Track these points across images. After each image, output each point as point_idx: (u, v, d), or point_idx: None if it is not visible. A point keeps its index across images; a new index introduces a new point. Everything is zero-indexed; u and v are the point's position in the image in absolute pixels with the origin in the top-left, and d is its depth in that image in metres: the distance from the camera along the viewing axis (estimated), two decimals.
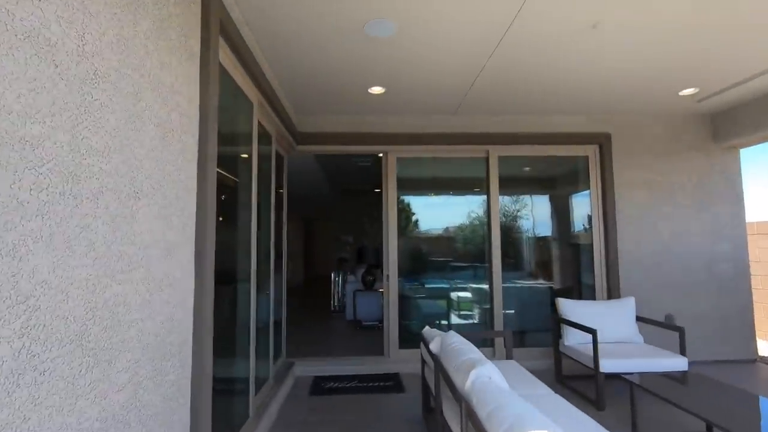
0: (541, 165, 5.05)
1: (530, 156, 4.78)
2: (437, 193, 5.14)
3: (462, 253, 5.00)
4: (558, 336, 4.05)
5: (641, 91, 3.90)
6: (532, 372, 4.26)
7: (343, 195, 11.02)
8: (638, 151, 4.64)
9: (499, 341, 4.54)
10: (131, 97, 1.38)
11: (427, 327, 3.28)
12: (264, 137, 3.66)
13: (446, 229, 5.09)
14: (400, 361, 4.45)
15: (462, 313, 5.07)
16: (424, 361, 3.26)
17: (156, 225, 1.53)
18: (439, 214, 5.11)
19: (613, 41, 2.92)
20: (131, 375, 1.36)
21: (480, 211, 4.92)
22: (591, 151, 4.74)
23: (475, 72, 3.47)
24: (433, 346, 2.68)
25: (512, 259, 4.87)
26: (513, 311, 4.74)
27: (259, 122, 3.23)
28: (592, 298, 4.67)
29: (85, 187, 1.14)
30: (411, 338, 4.65)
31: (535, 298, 4.96)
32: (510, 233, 4.88)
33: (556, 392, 3.31)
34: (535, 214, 5.05)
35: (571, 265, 5.13)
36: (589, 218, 4.80)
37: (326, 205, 11.92)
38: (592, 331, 3.37)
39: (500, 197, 4.76)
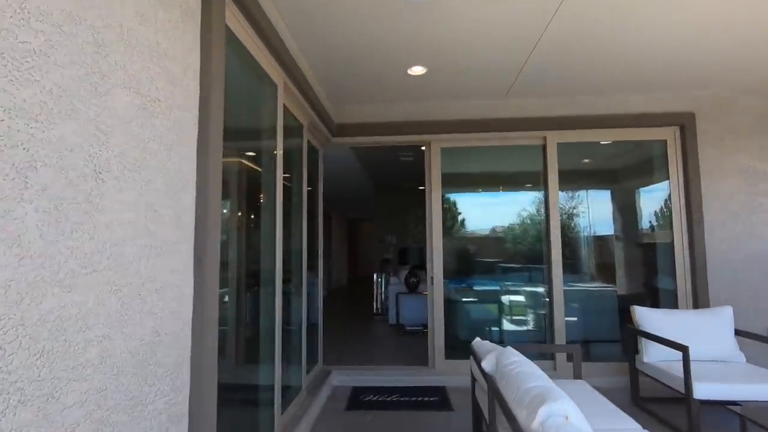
0: (602, 155, 4.44)
1: (594, 144, 4.18)
2: (485, 190, 4.66)
3: (513, 253, 4.49)
4: (634, 350, 3.45)
5: (736, 59, 3.21)
6: (602, 392, 3.66)
7: (385, 193, 10.69)
8: (731, 132, 3.90)
9: (561, 354, 3.97)
10: (90, 50, 1.07)
11: (477, 339, 2.82)
12: (294, 129, 3.36)
13: (494, 229, 4.58)
14: (446, 372, 4.01)
15: (514, 318, 4.56)
16: (474, 378, 2.81)
17: (133, 216, 1.22)
18: (487, 212, 4.63)
19: None
20: (90, 410, 1.04)
21: (532, 209, 4.39)
22: (670, 135, 4.06)
23: (528, 46, 2.98)
24: (487, 365, 2.23)
25: (569, 260, 4.32)
26: (573, 318, 4.16)
27: (285, 108, 2.92)
28: (672, 305, 3.99)
29: (1, 160, 0.83)
30: (458, 346, 4.19)
31: (597, 303, 4.36)
32: (566, 231, 4.31)
33: (633, 417, 2.74)
34: (594, 210, 4.44)
35: (641, 267, 4.48)
36: (663, 214, 4.12)
37: (369, 205, 11.65)
38: (682, 349, 2.77)
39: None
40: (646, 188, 4.50)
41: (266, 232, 2.62)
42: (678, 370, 2.92)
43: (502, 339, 4.51)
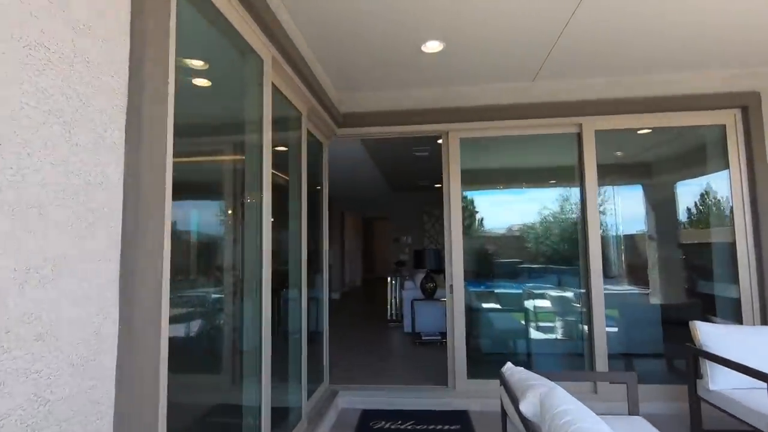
0: (638, 145, 3.89)
1: (629, 133, 3.64)
2: (508, 187, 4.14)
3: (541, 256, 3.98)
4: (694, 374, 2.89)
5: None
6: (655, 421, 3.12)
7: (400, 192, 10.21)
8: None
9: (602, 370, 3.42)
10: None
11: (508, 365, 2.32)
12: (290, 117, 2.92)
13: (520, 228, 4.06)
14: (468, 394, 3.51)
15: (544, 327, 4.06)
16: (504, 411, 2.31)
17: None
18: (510, 210, 4.11)
19: None
20: None
21: (563, 206, 3.86)
22: (729, 118, 3.47)
23: (561, 20, 2.47)
24: (527, 408, 1.73)
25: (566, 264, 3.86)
26: (613, 329, 3.62)
27: (277, 90, 2.47)
28: (732, 316, 3.41)
29: None
30: (481, 360, 3.70)
31: (635, 311, 3.86)
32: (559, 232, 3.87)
33: None
34: (623, 207, 3.91)
35: (685, 271, 3.95)
36: (717, 209, 3.55)
37: (384, 204, 11.20)
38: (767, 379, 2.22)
39: (577, 189, 3.74)
40: (692, 180, 3.97)
41: (251, 235, 2.17)
42: (759, 403, 2.37)
43: (529, 352, 4.00)
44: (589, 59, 3.15)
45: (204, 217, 2.01)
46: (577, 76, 3.47)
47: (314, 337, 3.69)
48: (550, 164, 3.91)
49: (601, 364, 3.42)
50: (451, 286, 3.66)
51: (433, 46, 2.91)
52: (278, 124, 2.54)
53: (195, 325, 1.93)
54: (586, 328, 3.60)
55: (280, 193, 2.93)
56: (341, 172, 7.13)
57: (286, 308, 2.94)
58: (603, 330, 3.45)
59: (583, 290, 3.61)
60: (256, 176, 2.19)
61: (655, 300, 4.45)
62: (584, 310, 3.60)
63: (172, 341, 1.30)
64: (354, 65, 3.19)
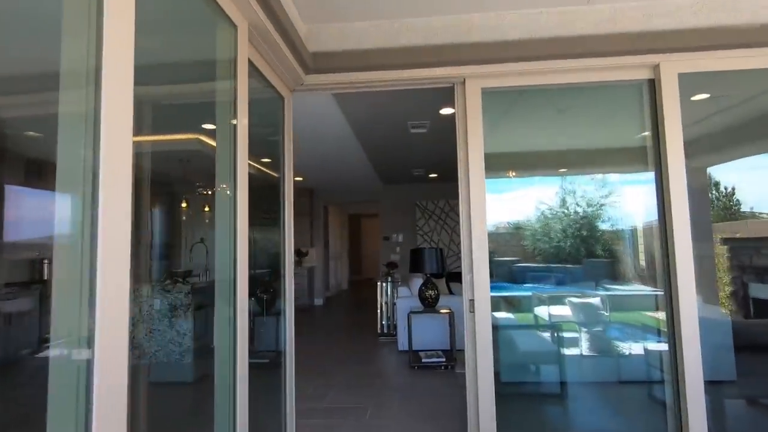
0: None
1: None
2: (544, 174, 3.02)
3: (577, 259, 2.92)
4: None
5: None
6: None
7: (391, 184, 9.07)
8: None
9: (694, 424, 2.32)
10: None
11: None
12: (205, 25, 1.75)
13: (552, 221, 2.97)
14: None
15: (585, 345, 3.00)
16: None
17: None
18: (530, 201, 3.01)
19: None
20: None
21: (601, 194, 2.82)
22: None
23: None
24: None
25: (610, 259, 2.82)
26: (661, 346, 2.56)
27: None
28: None
29: None
30: (508, 396, 2.59)
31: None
32: (596, 224, 2.84)
33: None
34: (635, 198, 2.89)
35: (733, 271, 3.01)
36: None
37: (373, 198, 10.06)
38: None
39: (576, 177, 2.75)
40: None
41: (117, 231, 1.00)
42: None
43: (563, 379, 2.91)
44: None
45: None
46: None
47: (270, 374, 2.55)
48: (601, 128, 2.81)
49: (695, 397, 2.32)
50: (472, 301, 2.52)
51: None
52: (179, 38, 1.38)
53: None
54: (662, 347, 2.54)
55: (202, 169, 1.78)
56: (323, 160, 5.98)
57: (208, 335, 1.80)
58: (698, 356, 2.34)
59: (660, 293, 2.53)
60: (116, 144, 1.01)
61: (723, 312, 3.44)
62: (666, 317, 2.53)
63: None
64: None
